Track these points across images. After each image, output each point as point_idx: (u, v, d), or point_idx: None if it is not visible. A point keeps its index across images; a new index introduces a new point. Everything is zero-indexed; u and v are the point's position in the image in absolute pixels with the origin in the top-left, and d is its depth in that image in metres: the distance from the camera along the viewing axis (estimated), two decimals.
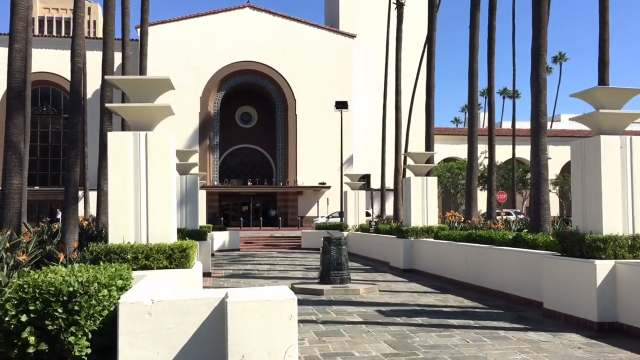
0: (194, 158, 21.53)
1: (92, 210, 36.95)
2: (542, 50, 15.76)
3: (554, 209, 54.93)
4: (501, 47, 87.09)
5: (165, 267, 8.01)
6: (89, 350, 5.11)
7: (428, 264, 16.72)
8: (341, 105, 38.51)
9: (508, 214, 40.06)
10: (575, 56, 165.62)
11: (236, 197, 54.71)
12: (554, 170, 54.53)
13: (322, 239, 13.95)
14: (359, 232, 26.32)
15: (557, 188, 56.77)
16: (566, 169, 56.68)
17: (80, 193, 35.92)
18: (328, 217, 46.18)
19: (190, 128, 51.08)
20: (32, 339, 4.98)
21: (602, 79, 19.31)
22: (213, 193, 51.42)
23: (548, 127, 45.64)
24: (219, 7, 53.42)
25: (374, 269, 19.16)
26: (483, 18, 25.01)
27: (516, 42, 61.96)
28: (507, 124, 70.75)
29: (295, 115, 53.39)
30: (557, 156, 53.56)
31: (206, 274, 15.68)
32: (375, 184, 52.28)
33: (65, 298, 5.12)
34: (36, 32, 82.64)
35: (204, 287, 10.94)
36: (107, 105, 9.44)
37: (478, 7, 24.58)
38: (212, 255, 22.86)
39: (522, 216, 39.15)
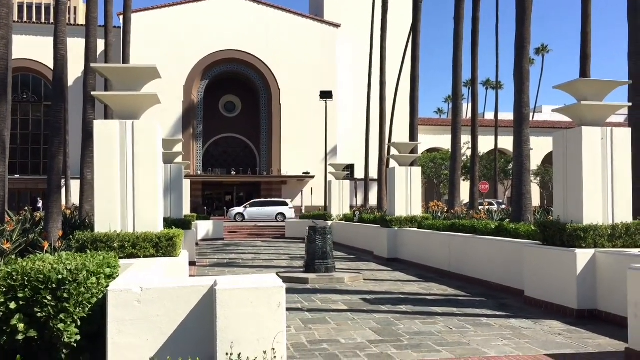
0: (179, 147, 21.41)
1: (74, 199, 36.60)
2: (525, 42, 15.89)
3: (535, 200, 55.63)
4: (484, 40, 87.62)
5: (152, 256, 8.03)
6: (78, 337, 5.14)
7: (412, 253, 16.89)
8: (326, 94, 38.50)
9: (490, 204, 40.50)
10: (557, 48, 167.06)
11: (220, 187, 54.58)
12: (535, 161, 55.13)
13: (307, 228, 14.04)
14: (343, 222, 26.44)
15: (538, 179, 57.43)
16: (547, 160, 57.34)
17: (62, 181, 35.47)
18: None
19: (174, 117, 50.72)
20: (21, 326, 5.00)
21: (584, 72, 19.57)
22: (197, 182, 51.23)
23: (530, 119, 46.03)
24: None
25: (358, 258, 19.30)
26: (467, 10, 25.21)
27: (499, 34, 62.31)
28: (489, 115, 71.27)
29: (280, 104, 53.24)
30: (538, 147, 54.09)
31: (191, 263, 15.68)
32: (359, 174, 52.43)
33: (54, 285, 5.13)
34: (15, 18, 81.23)
35: (189, 276, 10.96)
36: (93, 93, 9.37)
37: None
38: (197, 244, 22.83)
39: (504, 206, 39.60)
